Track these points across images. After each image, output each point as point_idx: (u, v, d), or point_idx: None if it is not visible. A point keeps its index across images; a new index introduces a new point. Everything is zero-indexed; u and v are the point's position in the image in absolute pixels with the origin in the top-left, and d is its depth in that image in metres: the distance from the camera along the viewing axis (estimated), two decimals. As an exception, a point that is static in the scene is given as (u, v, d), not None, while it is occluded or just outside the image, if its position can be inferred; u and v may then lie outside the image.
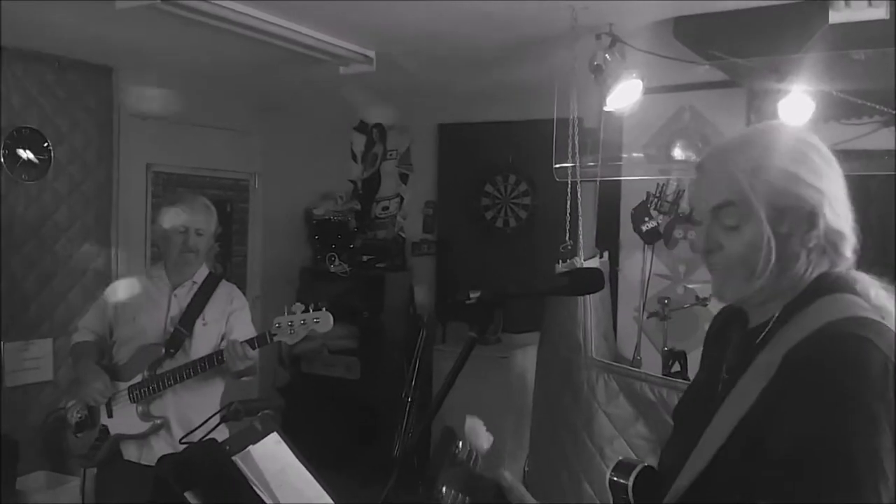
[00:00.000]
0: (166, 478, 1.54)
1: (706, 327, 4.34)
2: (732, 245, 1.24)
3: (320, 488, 1.98)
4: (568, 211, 3.39)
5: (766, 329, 1.23)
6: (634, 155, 4.77)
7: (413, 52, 4.01)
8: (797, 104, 3.81)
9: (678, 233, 4.72)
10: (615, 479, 1.43)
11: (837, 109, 4.09)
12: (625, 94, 3.39)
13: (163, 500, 1.56)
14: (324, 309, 2.81)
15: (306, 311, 2.81)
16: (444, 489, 1.26)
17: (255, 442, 1.89)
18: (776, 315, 1.23)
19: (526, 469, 5.11)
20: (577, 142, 3.37)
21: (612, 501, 1.47)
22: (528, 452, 4.81)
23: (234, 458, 1.73)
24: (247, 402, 1.86)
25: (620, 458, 1.46)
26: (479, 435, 1.29)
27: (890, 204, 4.22)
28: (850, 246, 1.23)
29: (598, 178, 3.99)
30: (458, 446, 1.28)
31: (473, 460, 1.27)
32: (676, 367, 3.91)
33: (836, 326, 1.15)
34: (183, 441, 1.74)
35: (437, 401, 1.36)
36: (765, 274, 1.22)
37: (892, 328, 1.16)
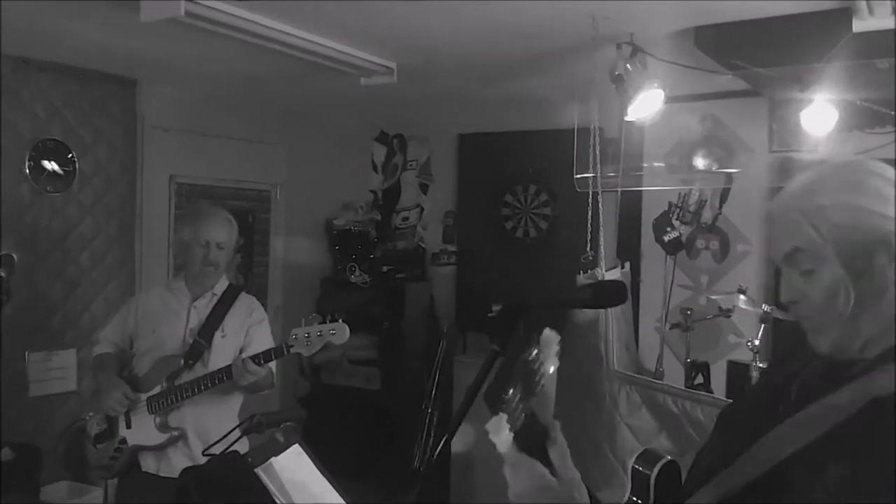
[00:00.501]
0: (188, 490, 1.54)
1: (729, 338, 4.33)
2: (812, 292, 1.20)
3: (341, 500, 1.98)
4: (589, 221, 3.37)
5: (854, 367, 1.19)
6: (655, 164, 4.75)
7: (434, 62, 4.02)
8: (820, 113, 3.78)
9: (700, 243, 4.69)
10: (638, 468, 1.41)
11: (861, 118, 4.06)
12: (646, 104, 3.37)
13: (185, 513, 1.56)
14: (340, 320, 2.81)
15: (323, 322, 2.81)
16: (511, 390, 1.23)
17: (277, 454, 1.90)
18: (870, 359, 1.18)
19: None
20: (598, 151, 3.35)
21: (629, 488, 1.45)
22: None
23: (256, 469, 1.74)
24: (269, 414, 1.86)
25: (646, 447, 1.44)
26: (550, 351, 1.26)
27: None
28: None
29: (619, 189, 3.97)
30: (532, 353, 1.25)
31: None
32: (699, 379, 3.87)
33: None
34: (205, 453, 1.74)
35: (460, 414, 1.35)
36: (849, 313, 1.17)
37: None
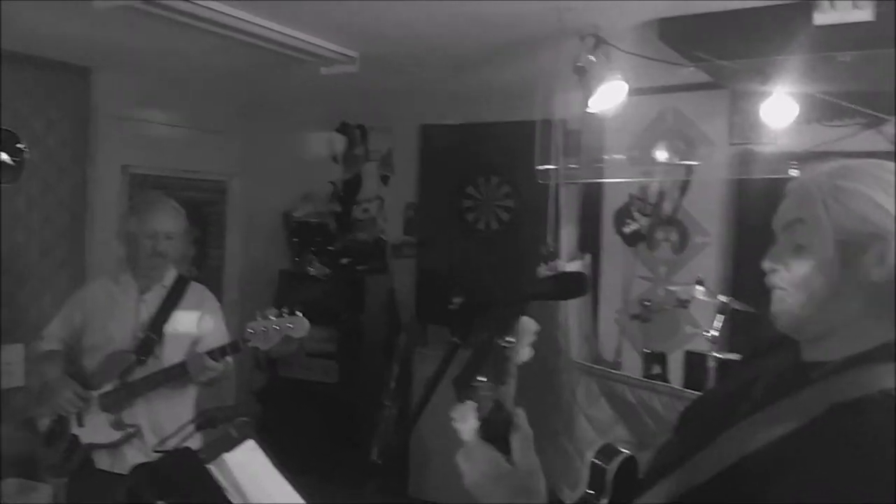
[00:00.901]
0: (139, 487, 1.49)
1: (686, 329, 4.35)
2: (797, 265, 1.21)
3: (297, 495, 1.94)
4: (550, 213, 3.36)
5: (819, 371, 1.19)
6: (616, 157, 4.75)
7: (396, 52, 3.97)
8: (780, 106, 3.81)
9: (660, 234, 4.71)
10: (596, 462, 1.39)
11: (820, 111, 4.10)
12: (608, 96, 3.36)
13: (134, 512, 1.50)
14: (298, 314, 2.75)
15: (280, 315, 2.75)
16: (481, 377, 1.21)
17: (230, 449, 1.85)
18: (836, 362, 1.18)
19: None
20: (560, 144, 3.34)
21: (587, 482, 1.44)
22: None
23: (208, 466, 1.69)
24: (222, 409, 1.81)
25: (606, 442, 1.43)
26: (526, 339, 1.23)
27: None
28: None
29: (581, 181, 3.96)
30: (508, 340, 1.22)
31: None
32: (657, 370, 3.91)
33: (892, 400, 1.10)
34: (157, 450, 1.68)
35: (419, 406, 1.32)
36: (821, 303, 1.19)
37: None
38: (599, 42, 3.32)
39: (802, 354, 1.26)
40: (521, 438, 1.22)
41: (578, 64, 3.28)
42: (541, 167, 3.51)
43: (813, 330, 1.22)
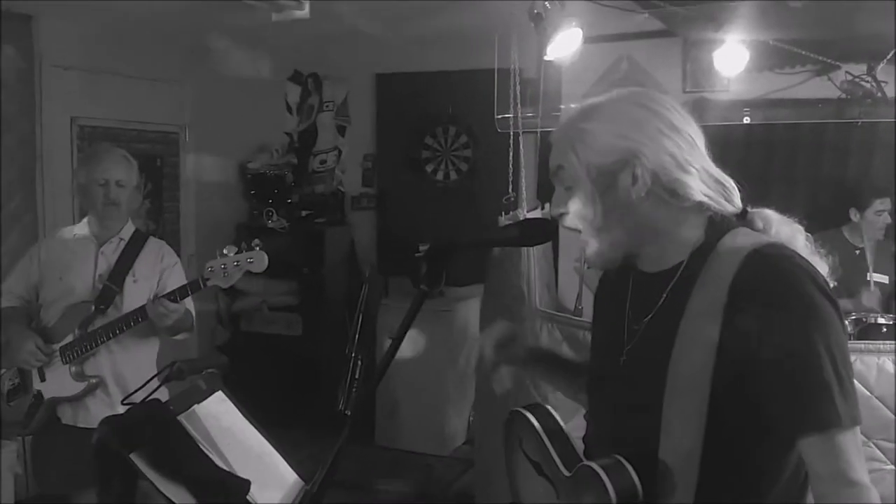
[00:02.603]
0: (109, 439, 1.49)
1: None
2: (572, 205, 1.34)
3: (268, 445, 1.96)
4: (511, 163, 3.38)
5: (679, 273, 1.31)
6: (572, 106, 4.76)
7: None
8: (732, 53, 3.86)
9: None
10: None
11: (771, 59, 4.16)
12: (565, 44, 3.36)
13: (105, 464, 1.51)
14: (257, 248, 2.71)
15: (239, 251, 2.72)
16: None
17: (199, 401, 1.86)
18: (684, 261, 1.31)
19: (471, 419, 5.19)
20: (518, 92, 3.34)
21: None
22: (474, 403, 4.88)
23: (178, 417, 1.69)
24: (190, 361, 1.82)
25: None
26: None
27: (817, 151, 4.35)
28: (696, 192, 1.29)
29: (539, 129, 3.97)
30: None
31: None
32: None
33: (759, 252, 1.24)
34: (125, 402, 1.68)
35: (389, 355, 1.35)
36: (599, 224, 1.32)
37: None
38: (556, -12, 3.31)
39: (647, 270, 1.38)
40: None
41: (535, 11, 3.27)
42: (500, 116, 3.51)
43: (614, 255, 1.36)
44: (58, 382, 2.89)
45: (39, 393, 2.90)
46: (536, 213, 3.78)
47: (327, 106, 5.85)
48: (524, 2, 3.32)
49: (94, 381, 2.89)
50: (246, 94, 5.66)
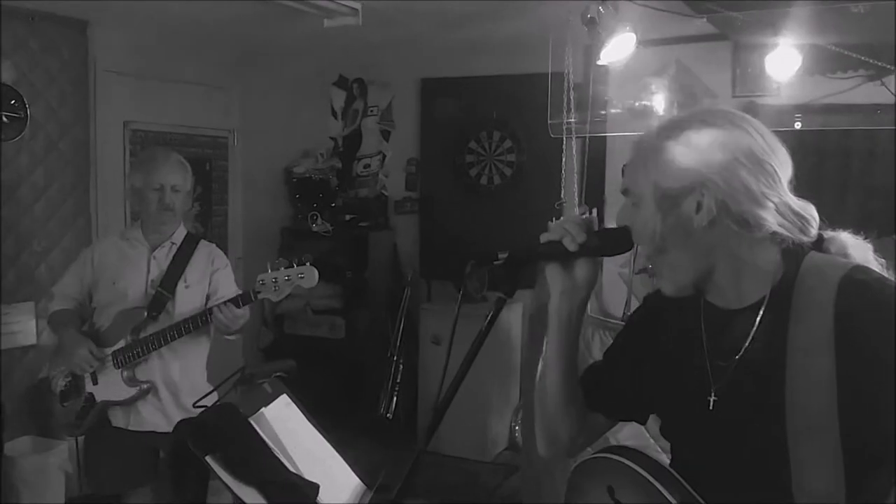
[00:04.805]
0: (185, 442, 1.52)
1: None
2: (635, 221, 1.32)
3: (331, 448, 1.98)
4: (563, 167, 3.36)
5: (765, 305, 1.26)
6: (619, 110, 4.73)
7: (398, 5, 3.92)
8: (783, 58, 3.80)
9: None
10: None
11: (823, 64, 4.09)
12: (618, 48, 3.34)
13: (181, 464, 1.54)
14: (308, 264, 2.75)
15: (290, 266, 2.75)
16: None
17: (266, 404, 1.88)
18: (766, 295, 1.26)
19: (515, 426, 5.17)
20: (572, 97, 3.33)
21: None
22: (521, 409, 4.87)
23: (249, 420, 1.72)
24: (260, 365, 1.84)
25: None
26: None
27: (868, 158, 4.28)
28: (771, 223, 1.23)
29: (587, 134, 3.95)
30: None
31: None
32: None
33: (852, 279, 1.20)
34: (196, 405, 1.71)
35: (466, 363, 1.34)
36: (657, 244, 1.28)
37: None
38: (609, -7, 3.29)
39: (727, 306, 1.32)
40: None
41: (588, 15, 3.25)
42: (553, 121, 3.49)
43: (682, 280, 1.31)
44: (110, 386, 2.92)
45: (91, 396, 2.94)
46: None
47: (372, 111, 5.88)
48: (578, 2, 3.30)
49: (145, 386, 2.92)
50: (292, 99, 5.73)
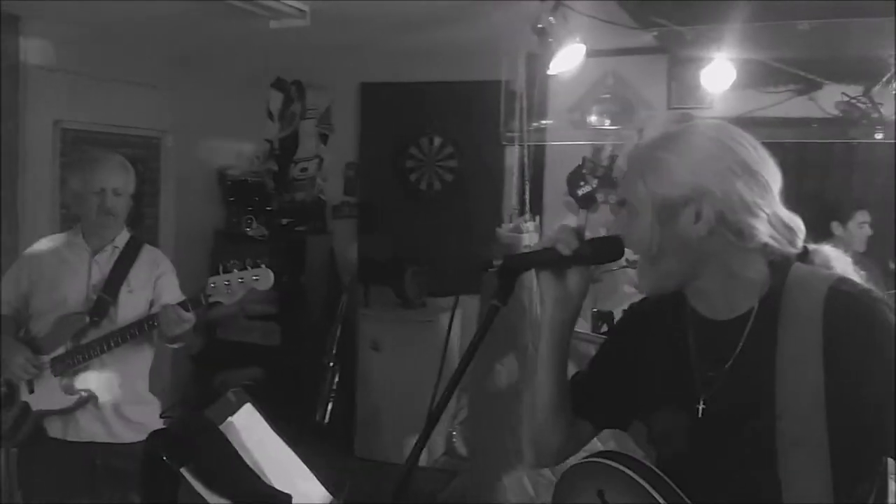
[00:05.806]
0: (157, 453, 1.47)
1: (626, 289, 4.47)
2: (632, 231, 1.33)
3: (296, 457, 1.95)
4: (514, 174, 3.40)
5: (753, 316, 1.29)
6: (551, 121, 4.79)
7: (346, 9, 3.89)
8: (720, 71, 3.93)
9: (600, 196, 4.81)
10: None
11: (757, 77, 4.25)
12: (568, 58, 3.40)
13: (152, 475, 1.48)
14: (263, 265, 2.67)
15: (244, 268, 2.66)
16: None
17: (232, 413, 1.85)
18: (755, 305, 1.29)
19: (452, 432, 5.18)
20: (524, 105, 3.37)
21: None
22: (460, 416, 4.89)
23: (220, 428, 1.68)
24: (228, 373, 1.80)
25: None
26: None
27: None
28: (763, 234, 1.26)
29: (536, 143, 4.01)
30: None
31: None
32: (605, 328, 4.05)
33: (838, 290, 1.24)
34: (163, 415, 1.65)
35: (460, 370, 1.35)
36: (654, 254, 1.30)
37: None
38: (559, 4, 3.34)
39: (716, 317, 1.34)
40: None
41: (539, 25, 3.30)
42: (502, 129, 3.53)
43: (666, 285, 1.34)
44: (47, 395, 2.78)
45: (27, 405, 2.80)
46: (530, 226, 3.81)
47: (310, 114, 5.82)
48: (526, 15, 3.34)
49: (84, 395, 2.79)
50: (229, 100, 5.60)
